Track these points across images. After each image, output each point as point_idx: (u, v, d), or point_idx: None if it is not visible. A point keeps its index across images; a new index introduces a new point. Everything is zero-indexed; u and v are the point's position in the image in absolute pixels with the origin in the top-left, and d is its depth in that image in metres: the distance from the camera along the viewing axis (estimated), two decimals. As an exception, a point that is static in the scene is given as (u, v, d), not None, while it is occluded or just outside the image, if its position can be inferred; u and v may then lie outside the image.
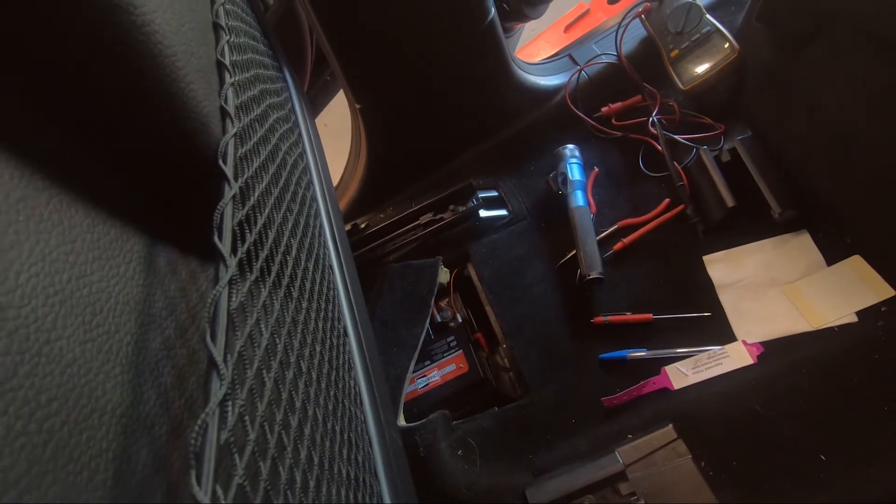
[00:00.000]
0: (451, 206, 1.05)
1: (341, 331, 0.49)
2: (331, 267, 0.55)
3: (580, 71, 1.08)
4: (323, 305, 0.45)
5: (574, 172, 0.99)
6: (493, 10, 0.94)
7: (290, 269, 0.38)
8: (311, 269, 0.44)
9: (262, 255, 0.33)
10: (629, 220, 0.96)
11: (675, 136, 0.96)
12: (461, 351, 0.95)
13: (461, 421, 0.87)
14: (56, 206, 0.24)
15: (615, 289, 0.92)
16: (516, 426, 0.86)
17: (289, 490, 0.25)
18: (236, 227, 0.29)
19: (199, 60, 0.34)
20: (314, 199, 0.60)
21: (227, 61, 0.37)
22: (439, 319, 1.00)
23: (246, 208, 0.32)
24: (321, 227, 0.58)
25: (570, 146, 1.03)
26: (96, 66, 0.27)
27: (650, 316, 0.87)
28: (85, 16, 0.26)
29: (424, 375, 0.94)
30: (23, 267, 0.21)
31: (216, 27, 0.40)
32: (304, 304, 0.39)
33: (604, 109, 1.06)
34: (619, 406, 0.83)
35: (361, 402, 0.47)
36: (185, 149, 0.33)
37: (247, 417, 0.22)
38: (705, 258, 0.89)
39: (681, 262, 0.91)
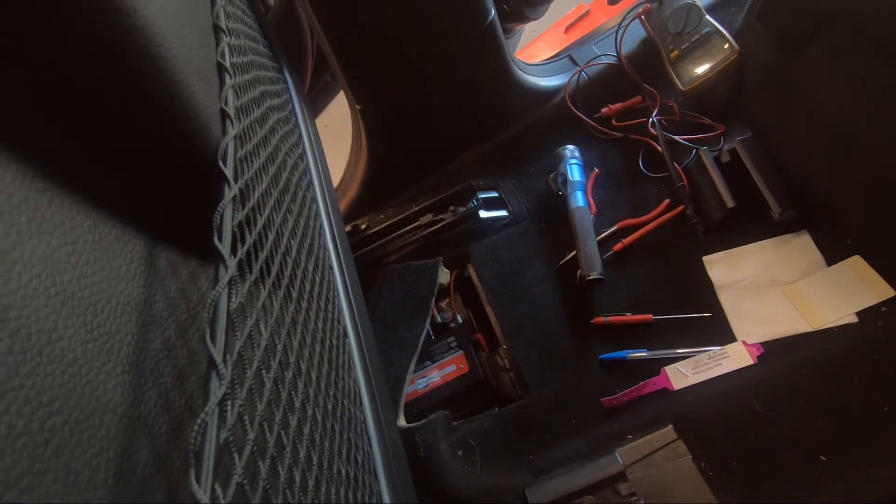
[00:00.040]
0: (452, 207, 1.05)
1: (341, 331, 0.50)
2: (331, 268, 0.56)
3: (580, 72, 1.08)
4: (323, 306, 0.45)
5: (574, 173, 1.00)
6: (492, 11, 0.94)
7: (289, 269, 0.38)
8: (310, 269, 0.45)
9: (262, 255, 0.33)
10: (629, 221, 0.96)
11: (675, 137, 0.96)
12: (461, 351, 0.95)
13: (461, 421, 0.87)
14: (58, 207, 0.24)
15: (615, 289, 0.92)
16: (516, 426, 0.86)
17: (288, 489, 0.25)
18: (236, 229, 0.29)
19: (200, 62, 0.34)
20: (314, 200, 0.61)
21: (227, 63, 0.38)
22: (440, 320, 1.00)
23: (246, 209, 0.32)
24: (321, 227, 0.58)
25: (570, 147, 1.03)
26: (97, 66, 0.27)
27: (650, 316, 0.87)
28: (85, 16, 0.26)
29: (425, 376, 0.94)
30: (25, 268, 0.21)
31: (216, 29, 0.40)
32: (304, 305, 0.39)
33: (604, 110, 1.06)
34: (619, 406, 0.83)
35: (361, 403, 0.47)
36: (185, 150, 0.33)
37: (246, 417, 0.23)
38: (705, 259, 0.89)
39: (681, 262, 0.91)
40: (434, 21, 0.91)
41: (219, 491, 0.19)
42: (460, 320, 1.00)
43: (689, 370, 0.82)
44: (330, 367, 0.40)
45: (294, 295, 0.37)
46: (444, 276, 1.00)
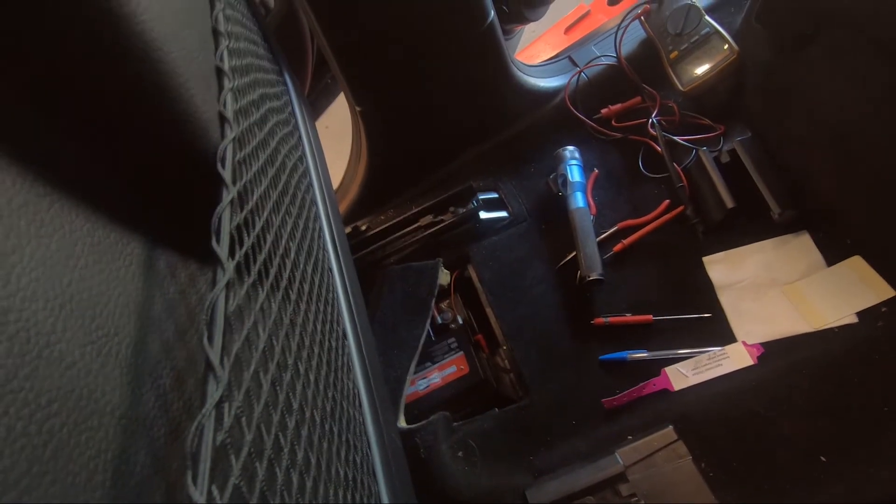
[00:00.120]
0: (452, 208, 1.05)
1: (340, 333, 0.50)
2: (330, 269, 0.56)
3: (580, 73, 1.09)
4: (322, 308, 0.45)
5: (574, 174, 1.00)
6: (492, 12, 0.94)
7: (288, 271, 0.38)
8: (309, 271, 0.45)
9: (261, 258, 0.33)
10: (629, 222, 0.96)
11: (675, 138, 0.96)
12: (462, 352, 0.95)
13: (462, 422, 0.87)
14: (57, 210, 0.24)
15: (615, 290, 0.92)
16: (517, 427, 0.86)
17: (285, 491, 0.25)
18: (234, 231, 0.29)
19: (199, 66, 0.35)
20: (314, 201, 0.61)
21: (226, 67, 0.38)
22: (440, 321, 1.00)
23: (244, 212, 0.33)
24: (321, 229, 0.58)
25: (570, 148, 1.03)
26: (96, 69, 0.27)
27: (650, 317, 0.87)
28: (84, 18, 0.26)
29: (425, 377, 0.94)
30: (24, 271, 0.21)
31: (215, 33, 0.41)
32: (303, 307, 0.39)
33: (603, 111, 1.06)
34: (619, 407, 0.83)
35: (360, 404, 0.47)
36: (185, 153, 0.34)
37: (243, 419, 0.23)
38: (705, 259, 0.89)
39: (681, 263, 0.91)
40: (433, 22, 0.91)
41: (215, 493, 0.19)
42: (460, 321, 1.00)
43: (689, 371, 0.82)
44: (329, 369, 0.40)
45: (293, 297, 0.37)
46: (445, 277, 1.01)
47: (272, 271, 0.35)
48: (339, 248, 0.61)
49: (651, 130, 0.99)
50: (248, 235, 0.33)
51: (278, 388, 0.29)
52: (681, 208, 0.93)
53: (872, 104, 0.73)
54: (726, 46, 0.93)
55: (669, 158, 0.95)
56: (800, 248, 0.86)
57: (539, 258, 0.99)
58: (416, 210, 1.07)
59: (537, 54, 1.48)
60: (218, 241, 0.27)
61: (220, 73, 0.37)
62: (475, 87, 1.03)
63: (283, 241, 0.40)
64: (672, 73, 0.98)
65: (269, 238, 0.37)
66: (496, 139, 1.12)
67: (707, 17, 0.95)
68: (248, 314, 0.28)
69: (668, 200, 0.95)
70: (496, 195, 1.08)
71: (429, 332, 0.97)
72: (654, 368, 0.83)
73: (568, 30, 1.51)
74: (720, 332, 0.84)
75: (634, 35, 1.06)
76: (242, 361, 0.25)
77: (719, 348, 0.82)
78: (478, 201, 1.03)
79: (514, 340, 0.93)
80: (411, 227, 1.06)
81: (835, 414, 0.72)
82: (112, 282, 0.26)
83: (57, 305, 0.22)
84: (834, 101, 0.79)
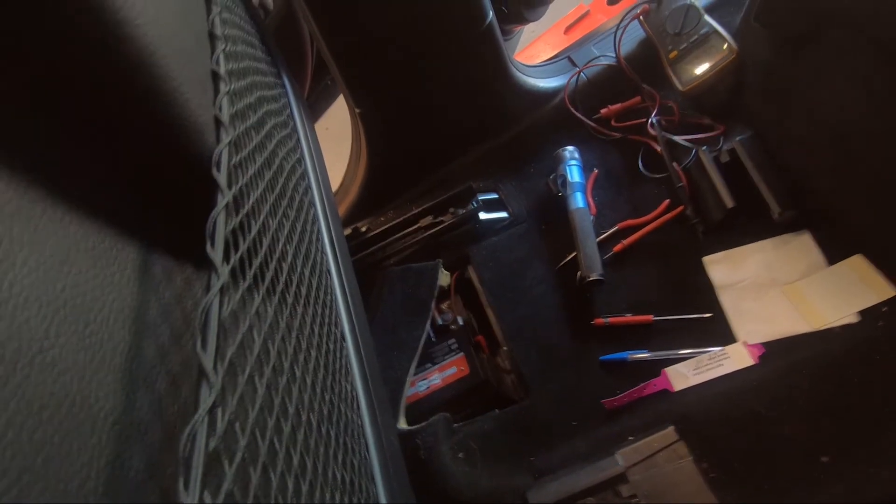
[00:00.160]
0: (451, 209, 1.05)
1: (338, 335, 0.50)
2: (329, 272, 0.56)
3: (579, 73, 1.08)
4: (319, 310, 0.45)
5: (573, 174, 1.00)
6: (491, 13, 0.94)
7: (285, 274, 0.38)
8: (307, 274, 0.45)
9: (257, 261, 0.33)
10: (629, 222, 0.96)
11: (675, 138, 0.96)
12: (462, 353, 0.95)
13: (462, 423, 0.87)
14: (50, 216, 0.24)
15: (615, 290, 0.92)
16: (517, 428, 0.86)
17: (280, 496, 0.25)
18: (229, 235, 0.29)
19: (195, 70, 0.35)
20: (312, 203, 0.61)
21: (221, 71, 0.38)
22: (440, 322, 1.00)
23: (240, 216, 0.33)
24: (319, 231, 0.58)
25: (570, 148, 1.03)
26: (88, 74, 0.27)
27: (650, 317, 0.87)
28: (79, 24, 0.26)
29: (426, 378, 0.94)
30: (16, 278, 0.21)
31: (211, 36, 0.41)
32: (300, 310, 0.39)
33: (603, 111, 1.06)
34: (619, 408, 0.83)
35: (358, 406, 0.47)
36: (180, 157, 0.34)
37: (237, 424, 0.23)
38: (705, 259, 0.89)
39: (681, 263, 0.91)
40: (432, 24, 0.91)
41: (208, 499, 0.19)
42: (461, 322, 1.00)
43: (689, 371, 0.82)
44: (326, 372, 0.40)
45: (289, 300, 0.37)
46: (445, 278, 1.01)
47: (268, 275, 0.35)
48: (337, 250, 0.61)
49: (651, 130, 0.99)
50: (244, 239, 0.33)
51: (274, 392, 0.29)
52: (681, 208, 0.93)
53: (873, 103, 0.73)
54: (725, 46, 0.92)
55: (669, 158, 0.95)
56: (800, 248, 0.85)
57: (539, 259, 0.99)
58: (416, 211, 1.07)
59: (537, 54, 1.47)
60: (213, 245, 0.27)
61: (215, 76, 0.37)
62: (474, 88, 1.03)
63: (280, 245, 0.40)
64: (671, 73, 0.97)
65: (266, 241, 0.37)
66: (496, 140, 1.12)
67: (706, 17, 0.95)
68: (243, 318, 0.28)
69: (668, 200, 0.95)
70: (496, 196, 1.08)
71: (429, 332, 0.97)
72: (654, 369, 0.83)
73: (568, 30, 1.50)
74: (721, 333, 0.83)
75: (634, 35, 1.06)
76: (237, 366, 0.25)
77: (720, 348, 0.82)
78: (477, 202, 1.03)
79: (514, 341, 0.93)
80: (411, 229, 1.06)
81: (836, 414, 0.72)
82: (106, 287, 0.26)
83: (50, 312, 0.22)
84: (834, 101, 0.78)
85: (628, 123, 1.04)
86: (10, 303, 0.20)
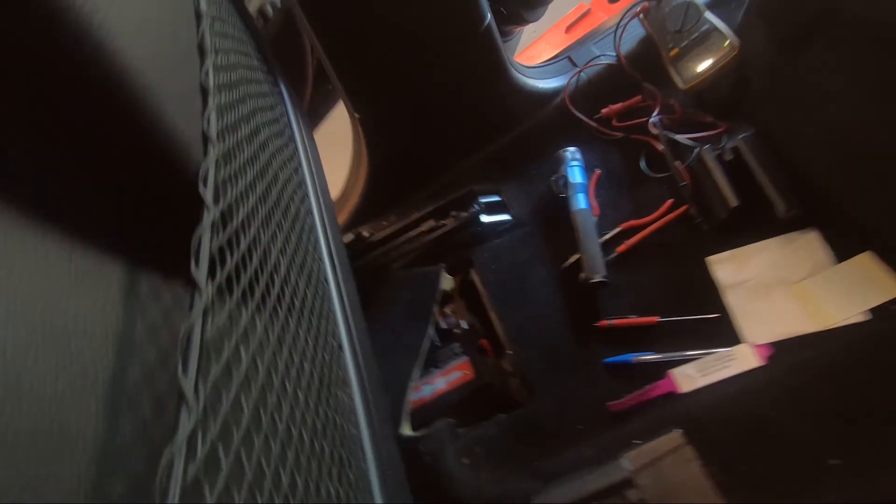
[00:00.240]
0: (454, 213, 1.05)
1: (335, 345, 0.49)
2: (326, 280, 0.55)
3: (579, 73, 1.08)
4: (315, 322, 0.45)
5: (575, 175, 0.99)
6: (489, 15, 0.94)
7: (277, 288, 0.38)
8: (301, 285, 0.45)
9: (246, 277, 0.33)
10: (632, 222, 0.95)
11: (677, 136, 0.95)
12: (467, 357, 0.94)
13: (467, 429, 0.87)
14: (31, 237, 0.24)
15: (619, 291, 0.91)
16: (522, 433, 0.85)
17: (267, 518, 0.25)
18: (215, 252, 0.29)
19: (180, 86, 0.34)
20: (309, 212, 0.61)
21: (210, 84, 0.38)
22: (444, 326, 0.99)
23: (228, 231, 0.32)
24: (316, 240, 0.58)
25: (571, 149, 1.02)
26: (67, 89, 0.27)
27: (655, 318, 0.86)
28: (56, 40, 0.26)
29: (430, 383, 0.94)
30: (-8, 302, 0.21)
31: (201, 50, 0.40)
32: (292, 323, 0.39)
33: (604, 111, 1.05)
34: (625, 411, 0.82)
35: (356, 417, 0.47)
36: (169, 173, 0.33)
37: (220, 448, 0.22)
38: (710, 259, 0.88)
39: (685, 263, 0.90)
40: (430, 28, 0.91)
41: (186, 528, 0.18)
42: (465, 326, 1.00)
43: (696, 373, 0.81)
44: (321, 385, 0.40)
45: (281, 314, 0.37)
46: (448, 282, 1.00)
47: (258, 290, 0.34)
48: (336, 258, 0.61)
49: (652, 129, 0.98)
50: (232, 254, 0.32)
51: (262, 410, 0.28)
52: (684, 208, 0.92)
53: (877, 98, 0.72)
54: (727, 42, 0.91)
55: (671, 157, 0.94)
56: (807, 246, 0.84)
57: (542, 261, 0.98)
58: (418, 215, 1.06)
59: (538, 54, 1.47)
60: (197, 264, 0.27)
61: (204, 90, 0.37)
62: (474, 91, 1.03)
63: (273, 257, 0.40)
64: (672, 71, 0.96)
65: (257, 255, 0.36)
66: (497, 142, 1.11)
67: (707, 14, 0.94)
68: (229, 337, 0.28)
69: (671, 200, 0.93)
70: (498, 198, 1.07)
71: (433, 337, 0.96)
72: (660, 371, 0.82)
73: (569, 29, 1.49)
74: (727, 333, 0.82)
75: (634, 33, 1.05)
76: (221, 388, 0.25)
77: (726, 349, 0.80)
78: (479, 205, 1.03)
79: (518, 344, 0.93)
80: (413, 233, 1.05)
81: (845, 415, 0.71)
82: (89, 308, 0.25)
83: (29, 337, 0.21)
84: (838, 96, 0.77)
85: (630, 123, 1.03)
86: (-16, 329, 0.20)
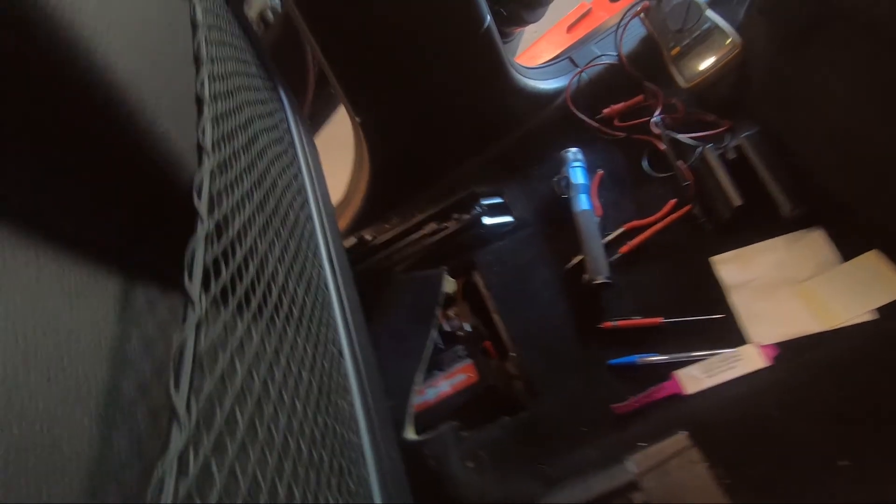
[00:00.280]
0: (456, 215, 1.04)
1: (335, 352, 0.49)
2: (326, 287, 0.55)
3: (580, 73, 1.07)
4: (314, 330, 0.45)
5: (577, 176, 0.98)
6: (488, 16, 0.93)
7: (274, 297, 0.38)
8: (300, 293, 0.44)
9: (241, 287, 0.33)
10: (635, 223, 0.94)
11: (679, 136, 0.94)
12: (470, 360, 0.94)
13: (471, 432, 0.86)
14: (23, 255, 0.24)
15: (623, 292, 0.90)
16: (527, 435, 0.85)
17: (263, 532, 0.25)
18: (210, 265, 0.29)
19: (173, 98, 0.34)
20: (309, 218, 0.61)
21: (205, 94, 0.38)
22: (448, 328, 0.99)
23: (223, 242, 0.32)
24: (316, 246, 0.58)
25: (573, 149, 1.02)
26: (57, 105, 0.27)
27: (660, 319, 0.85)
28: (44, 59, 0.26)
29: (434, 386, 0.93)
30: (-17, 322, 0.21)
31: (196, 59, 0.40)
32: (290, 332, 0.38)
33: (606, 111, 1.04)
34: (630, 413, 0.81)
35: (357, 425, 0.47)
36: (162, 184, 0.33)
37: (213, 464, 0.22)
38: (714, 259, 0.87)
39: (689, 263, 0.89)
40: (429, 30, 0.91)
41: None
42: (468, 328, 0.99)
43: (701, 374, 0.80)
44: (320, 393, 0.40)
45: (279, 323, 0.37)
46: (450, 284, 1.00)
47: (255, 300, 0.34)
48: (336, 263, 0.61)
49: (654, 129, 0.97)
50: (228, 265, 0.32)
51: (258, 422, 0.28)
52: (687, 207, 0.91)
53: (882, 95, 0.71)
54: (729, 40, 0.90)
55: (674, 157, 0.93)
56: (812, 245, 0.83)
57: (545, 262, 0.98)
58: (421, 218, 1.06)
59: (539, 54, 1.46)
60: (190, 277, 0.27)
61: (199, 101, 0.37)
62: (475, 94, 1.02)
63: (270, 266, 0.40)
64: (674, 70, 0.96)
65: (253, 265, 0.36)
66: (498, 144, 1.11)
67: (708, 12, 0.93)
68: (224, 349, 0.28)
69: (674, 200, 0.93)
70: (500, 200, 1.07)
71: (437, 339, 0.96)
72: (665, 372, 0.82)
73: (570, 28, 1.49)
74: (732, 334, 0.82)
75: (635, 32, 1.05)
76: (216, 401, 0.25)
77: (732, 350, 0.80)
78: (481, 207, 1.03)
79: (522, 346, 0.92)
80: (416, 236, 1.05)
81: (854, 415, 0.70)
82: (83, 323, 0.25)
83: (19, 356, 0.21)
84: (842, 93, 0.76)
85: (631, 123, 1.02)
86: (-25, 350, 0.20)
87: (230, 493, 0.23)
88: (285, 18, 1.06)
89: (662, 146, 0.96)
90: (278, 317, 0.38)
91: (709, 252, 0.88)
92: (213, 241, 0.31)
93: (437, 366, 0.94)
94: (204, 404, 0.23)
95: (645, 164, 0.99)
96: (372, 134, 1.02)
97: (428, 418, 0.90)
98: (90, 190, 0.30)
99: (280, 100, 0.72)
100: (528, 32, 1.47)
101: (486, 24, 0.94)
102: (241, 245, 0.35)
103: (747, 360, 0.79)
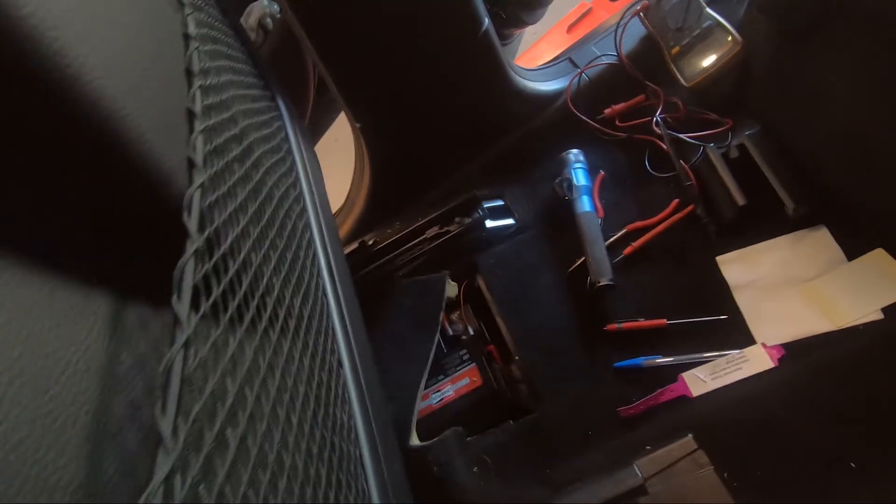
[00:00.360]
0: (457, 219, 1.04)
1: (334, 363, 0.49)
2: (325, 296, 0.55)
3: (580, 74, 1.06)
4: (311, 341, 0.44)
5: (579, 177, 0.98)
6: (486, 19, 0.93)
7: (269, 310, 0.38)
8: (297, 304, 0.44)
9: (234, 303, 0.32)
10: (638, 224, 0.93)
11: (681, 135, 0.93)
12: (474, 364, 0.94)
13: (475, 437, 0.86)
14: (9, 278, 0.24)
15: (627, 294, 0.90)
16: (532, 440, 0.85)
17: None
18: (200, 282, 0.29)
19: (164, 114, 0.34)
20: (308, 227, 0.60)
21: (197, 108, 0.37)
22: (451, 333, 0.99)
23: (215, 258, 0.32)
24: (315, 255, 0.58)
25: (575, 151, 1.01)
26: (44, 123, 0.27)
27: (664, 321, 0.85)
28: (29, 80, 0.26)
29: (438, 390, 0.93)
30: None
31: (188, 73, 0.40)
32: (286, 345, 0.38)
33: (607, 111, 1.04)
34: (636, 416, 0.81)
35: (357, 437, 0.47)
36: (153, 201, 0.33)
37: (201, 487, 0.22)
38: (719, 259, 0.87)
39: (693, 264, 0.88)
40: (427, 34, 0.90)
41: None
42: (472, 332, 0.99)
43: (707, 376, 0.80)
44: (317, 406, 0.40)
45: (273, 337, 0.37)
46: (452, 289, 1.00)
47: (248, 314, 0.34)
48: (335, 272, 0.61)
49: (656, 129, 0.96)
50: (220, 281, 0.32)
51: (251, 441, 0.28)
52: (690, 207, 0.90)
53: (884, 92, 0.70)
54: (729, 38, 0.90)
55: (676, 156, 0.92)
56: (817, 244, 0.82)
57: (548, 265, 0.97)
58: (422, 222, 1.06)
59: (540, 55, 1.46)
60: (179, 296, 0.26)
61: (190, 114, 0.37)
62: (474, 96, 1.02)
63: (265, 279, 0.40)
64: (675, 69, 0.95)
65: (247, 279, 0.36)
66: (499, 146, 1.10)
67: (708, 10, 0.92)
68: (215, 368, 0.28)
69: (677, 200, 0.92)
70: (502, 203, 1.06)
71: (440, 344, 0.96)
72: (670, 374, 0.81)
73: (570, 28, 1.48)
74: (738, 335, 0.81)
75: (635, 32, 1.04)
76: (205, 422, 0.25)
77: (738, 351, 0.79)
78: (483, 210, 1.02)
79: (526, 350, 0.92)
80: (418, 240, 1.05)
81: (862, 416, 0.69)
82: (71, 346, 0.25)
83: (4, 383, 0.21)
84: (843, 90, 0.75)
85: (633, 123, 1.02)
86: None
87: (220, 515, 0.23)
88: (285, 25, 1.06)
89: (664, 146, 0.95)
90: (273, 330, 0.37)
91: (713, 252, 0.87)
92: (204, 257, 0.31)
93: (440, 370, 0.94)
94: (192, 426, 0.23)
95: (647, 164, 0.98)
96: (372, 139, 1.02)
97: (432, 423, 0.89)
98: (78, 207, 0.30)
99: (278, 108, 0.72)
100: (528, 33, 1.46)
101: (485, 27, 0.93)
102: (233, 259, 0.35)
103: (754, 361, 0.78)
